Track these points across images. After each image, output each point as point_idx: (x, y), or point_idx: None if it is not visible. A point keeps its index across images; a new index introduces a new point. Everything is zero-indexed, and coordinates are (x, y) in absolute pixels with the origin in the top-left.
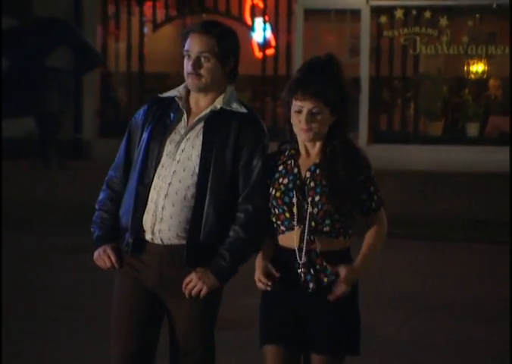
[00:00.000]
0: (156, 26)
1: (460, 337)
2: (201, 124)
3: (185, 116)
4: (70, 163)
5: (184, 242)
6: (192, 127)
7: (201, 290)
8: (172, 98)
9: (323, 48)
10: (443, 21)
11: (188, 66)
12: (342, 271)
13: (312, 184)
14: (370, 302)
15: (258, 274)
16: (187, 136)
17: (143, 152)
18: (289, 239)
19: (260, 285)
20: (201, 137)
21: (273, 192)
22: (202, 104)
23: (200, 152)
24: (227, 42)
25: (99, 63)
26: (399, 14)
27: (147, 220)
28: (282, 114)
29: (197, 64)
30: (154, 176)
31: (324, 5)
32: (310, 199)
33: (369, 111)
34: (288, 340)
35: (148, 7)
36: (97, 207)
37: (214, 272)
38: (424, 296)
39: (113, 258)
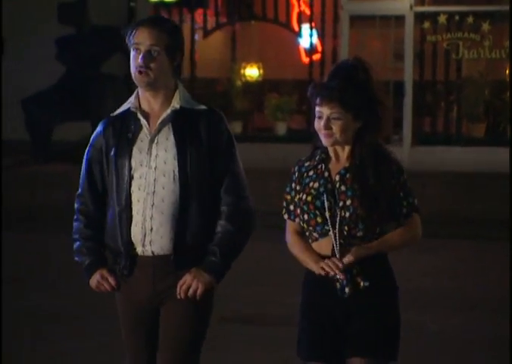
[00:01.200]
0: (206, 33)
1: (504, 334)
2: (167, 126)
3: (145, 123)
4: None
5: None
6: (158, 131)
7: (197, 290)
8: (124, 113)
9: (368, 53)
10: (485, 26)
11: (137, 60)
12: (352, 251)
13: (343, 188)
14: (415, 299)
15: (317, 261)
16: (155, 141)
17: (114, 173)
18: (323, 245)
19: (327, 267)
20: (171, 139)
21: (304, 197)
22: (155, 105)
23: (176, 154)
24: (176, 37)
25: None
26: (442, 19)
27: (136, 233)
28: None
29: (147, 58)
30: (130, 190)
31: (369, 11)
32: (341, 204)
33: (413, 114)
34: (331, 355)
35: (199, 15)
36: (76, 237)
37: (207, 269)
38: (467, 294)
39: (112, 282)
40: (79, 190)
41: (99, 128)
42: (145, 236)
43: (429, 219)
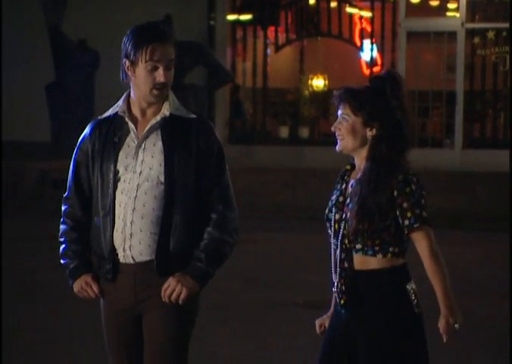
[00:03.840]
0: (278, 48)
1: None
2: (156, 133)
3: (132, 127)
4: None
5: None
6: (146, 137)
7: (180, 295)
8: (113, 117)
9: (423, 65)
10: None
11: (156, 77)
12: (441, 325)
13: (347, 201)
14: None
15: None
16: (142, 147)
17: (99, 176)
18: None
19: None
20: (159, 145)
21: (325, 211)
22: (149, 113)
23: (163, 161)
24: (174, 47)
25: (229, 80)
26: (491, 35)
27: (117, 238)
28: None
29: (168, 74)
30: (114, 195)
31: (424, 28)
32: (343, 216)
33: (464, 120)
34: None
35: (271, 32)
36: (62, 240)
37: (192, 275)
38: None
39: (95, 289)
40: (66, 193)
41: (86, 131)
42: (124, 241)
43: (479, 216)
